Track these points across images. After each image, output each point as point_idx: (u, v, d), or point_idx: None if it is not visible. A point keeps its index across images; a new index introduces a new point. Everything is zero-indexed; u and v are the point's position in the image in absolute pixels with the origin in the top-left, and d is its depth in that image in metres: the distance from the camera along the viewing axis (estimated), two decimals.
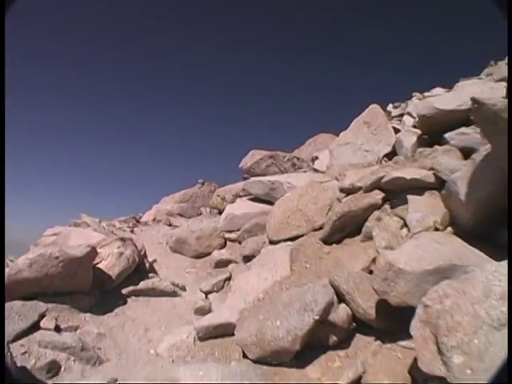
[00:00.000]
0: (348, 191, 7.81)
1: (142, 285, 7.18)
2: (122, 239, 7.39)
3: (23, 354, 4.75)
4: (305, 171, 12.23)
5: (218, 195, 12.11)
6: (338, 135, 16.13)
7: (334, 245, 6.84)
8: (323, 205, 7.77)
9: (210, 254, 9.33)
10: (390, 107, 14.14)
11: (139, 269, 7.69)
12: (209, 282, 7.16)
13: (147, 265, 8.02)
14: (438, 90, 12.59)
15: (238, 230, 9.86)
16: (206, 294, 7.02)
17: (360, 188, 7.54)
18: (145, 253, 8.07)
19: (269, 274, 6.10)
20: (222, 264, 8.71)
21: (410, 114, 11.69)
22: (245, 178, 15.92)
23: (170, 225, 15.61)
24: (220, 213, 12.00)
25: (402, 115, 12.49)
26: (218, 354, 5.36)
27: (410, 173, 6.67)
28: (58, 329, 5.41)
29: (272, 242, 7.63)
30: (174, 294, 7.33)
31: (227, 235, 9.71)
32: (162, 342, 5.67)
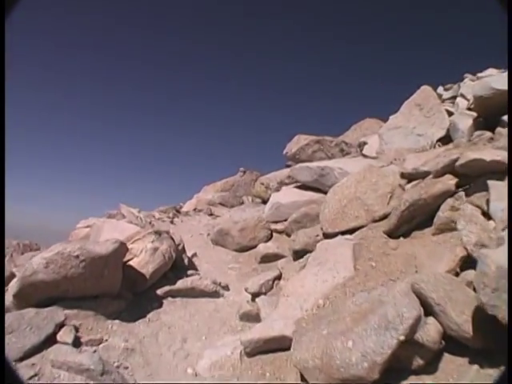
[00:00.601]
0: (410, 177, 6.54)
1: (180, 284, 6.10)
2: (157, 232, 6.32)
3: (32, 377, 3.72)
4: (354, 157, 11.00)
5: (262, 183, 10.95)
6: (384, 120, 14.97)
7: (401, 238, 5.65)
8: (384, 192, 6.51)
9: (254, 247, 8.20)
10: (440, 90, 12.82)
11: (177, 265, 6.62)
12: (255, 282, 5.98)
13: (186, 260, 6.94)
14: (491, 71, 11.24)
15: (284, 221, 8.70)
16: (253, 295, 5.87)
17: (426, 173, 6.31)
18: (183, 247, 6.99)
19: (329, 274, 4.89)
20: (268, 259, 7.56)
21: (463, 96, 10.80)
22: (288, 166, 14.74)
23: (211, 214, 14.65)
24: (264, 202, 10.87)
25: (454, 97, 11.50)
26: (270, 376, 4.21)
27: (489, 154, 5.37)
28: (77, 342, 4.37)
29: (327, 235, 6.41)
30: (215, 295, 6.23)
31: (273, 226, 8.55)
32: (203, 358, 4.51)
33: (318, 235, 6.59)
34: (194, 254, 7.94)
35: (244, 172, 17.56)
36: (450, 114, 10.06)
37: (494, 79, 7.77)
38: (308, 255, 6.11)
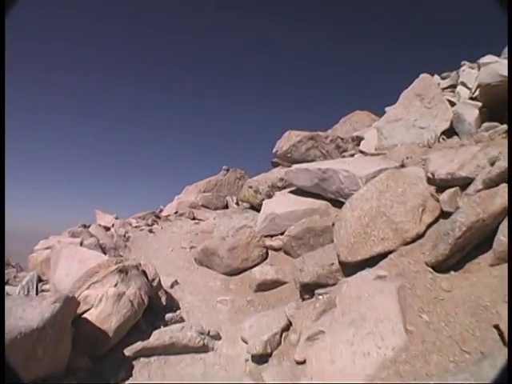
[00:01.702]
0: (444, 184, 4.87)
1: (156, 340, 4.28)
2: (123, 270, 4.48)
3: None
4: (352, 154, 9.33)
5: (250, 186, 9.14)
6: (375, 113, 13.34)
7: (452, 273, 3.99)
8: (414, 205, 4.79)
9: (247, 269, 6.45)
10: (436, 78, 11.24)
11: (152, 307, 4.81)
12: (258, 338, 4.18)
13: (163, 298, 5.10)
14: (490, 58, 9.76)
15: (281, 234, 6.96)
16: (255, 357, 4.10)
17: (465, 179, 4.69)
18: (159, 282, 5.15)
19: (370, 342, 3.14)
20: (266, 286, 5.82)
21: (464, 85, 9.53)
22: (275, 164, 13.11)
23: (193, 218, 12.86)
24: (252, 207, 9.10)
25: (452, 86, 10.19)
26: None
27: None
28: None
29: (346, 265, 4.69)
30: (203, 349, 4.42)
31: (268, 242, 6.77)
32: None
33: (332, 264, 4.83)
34: (175, 282, 6.14)
35: (227, 170, 15.74)
36: (451, 104, 8.77)
37: (501, 66, 6.59)
38: (325, 297, 4.36)
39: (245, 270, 6.44)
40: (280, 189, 8.51)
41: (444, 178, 4.88)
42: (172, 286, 5.98)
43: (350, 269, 4.68)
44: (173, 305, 5.32)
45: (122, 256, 7.30)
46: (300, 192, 7.55)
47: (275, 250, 6.68)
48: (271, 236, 7.02)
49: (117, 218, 12.12)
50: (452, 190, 4.75)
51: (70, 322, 3.64)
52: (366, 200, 4.96)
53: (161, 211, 14.09)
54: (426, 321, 3.41)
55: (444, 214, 4.73)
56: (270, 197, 8.33)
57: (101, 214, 12.85)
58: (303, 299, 5.08)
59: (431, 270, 4.05)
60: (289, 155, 9.55)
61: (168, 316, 4.83)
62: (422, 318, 3.46)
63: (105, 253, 6.94)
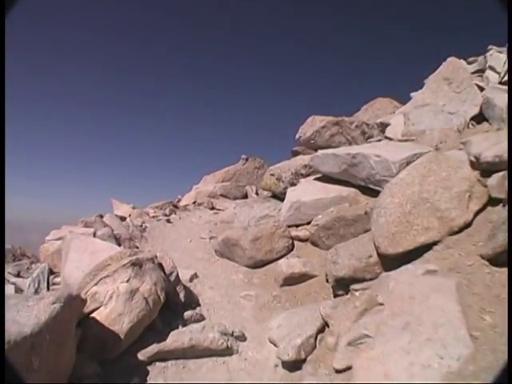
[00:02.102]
0: (491, 168, 4.21)
1: (173, 342, 3.71)
2: (136, 263, 3.91)
3: None
4: (378, 140, 8.65)
5: (272, 174, 8.51)
6: (397, 100, 12.53)
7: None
8: (460, 190, 4.15)
9: (272, 261, 5.85)
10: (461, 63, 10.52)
11: (169, 304, 4.24)
12: (290, 342, 3.57)
13: (182, 294, 4.53)
14: None
15: (307, 224, 6.35)
16: (288, 362, 3.51)
17: None
18: (177, 276, 4.57)
19: (429, 350, 2.51)
20: (294, 280, 5.22)
21: (492, 69, 8.93)
22: (295, 153, 12.47)
23: (212, 208, 12.31)
24: (274, 196, 8.49)
25: (479, 71, 9.54)
26: None
27: None
28: None
29: (386, 257, 4.06)
30: (227, 351, 3.85)
31: (294, 232, 6.15)
32: None
33: (370, 256, 4.20)
34: (194, 276, 5.57)
35: (246, 159, 15.12)
36: (480, 89, 8.28)
37: None
38: (364, 293, 3.74)
39: (269, 262, 5.84)
40: (304, 176, 7.87)
41: (491, 161, 4.20)
42: (191, 280, 5.42)
43: (390, 262, 4.06)
44: (192, 301, 4.74)
45: (137, 247, 6.77)
46: (326, 179, 6.91)
47: (302, 240, 6.06)
48: (297, 226, 6.40)
49: (134, 208, 11.62)
50: (500, 174, 4.10)
51: (75, 324, 3.08)
52: (407, 185, 4.31)
53: (179, 201, 13.57)
54: (491, 324, 2.79)
55: (492, 201, 4.10)
56: (293, 185, 7.69)
57: (117, 204, 12.37)
58: (336, 295, 4.48)
59: (487, 263, 3.42)
60: (312, 141, 8.90)
61: (187, 314, 4.25)
62: (485, 320, 2.83)
63: (119, 244, 6.41)
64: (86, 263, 4.96)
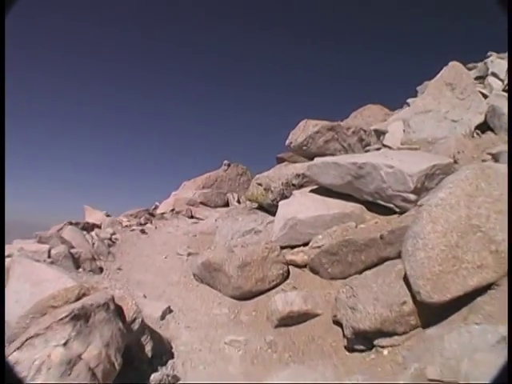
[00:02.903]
0: None
1: None
2: (79, 315, 2.60)
3: None
4: (378, 148, 7.62)
5: (259, 184, 7.29)
6: (388, 107, 11.75)
7: None
8: None
9: (263, 292, 4.63)
10: None
11: (131, 360, 3.01)
12: None
13: (148, 346, 3.24)
14: None
15: (304, 245, 5.16)
16: None
17: None
18: (142, 323, 3.27)
19: None
20: (292, 320, 4.00)
21: (495, 75, 8.49)
22: (280, 161, 11.29)
23: (191, 217, 11.07)
24: (261, 207, 7.27)
25: (480, 78, 9.07)
26: None
27: None
28: None
29: (425, 305, 2.91)
30: None
31: (290, 256, 4.92)
32: None
33: (404, 303, 3.02)
34: (167, 310, 4.29)
35: (228, 165, 13.86)
36: (483, 96, 7.75)
37: None
38: (412, 367, 2.54)
39: (260, 293, 4.60)
40: (297, 187, 6.69)
41: None
42: (163, 317, 4.14)
43: (431, 311, 2.89)
44: (163, 351, 3.46)
45: (101, 269, 5.46)
46: (324, 191, 5.75)
47: (298, 266, 4.86)
48: (291, 247, 5.22)
49: (108, 215, 10.26)
50: None
51: None
52: (451, 208, 3.15)
53: (156, 208, 12.23)
54: None
55: None
56: (285, 197, 6.50)
57: (90, 210, 10.97)
58: (352, 349, 3.28)
59: None
60: (304, 148, 7.70)
61: (155, 378, 2.98)
62: None
63: (78, 266, 5.10)
64: (27, 297, 3.70)
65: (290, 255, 4.92)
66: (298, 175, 6.77)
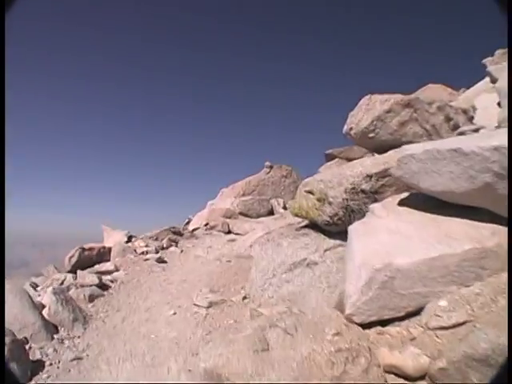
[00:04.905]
0: None
1: None
2: None
3: None
4: (476, 129, 4.63)
5: (309, 191, 4.48)
6: (451, 87, 9.54)
7: None
8: None
9: None
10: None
11: None
12: None
13: None
14: None
15: (402, 319, 2.31)
16: None
17: None
18: None
19: None
20: None
21: None
22: (329, 158, 8.50)
23: (228, 232, 8.39)
24: (314, 225, 4.47)
25: None
26: None
27: None
28: None
29: None
30: None
31: (390, 357, 2.13)
32: None
33: None
34: None
35: (271, 167, 11.07)
36: None
37: None
38: None
39: None
40: (368, 195, 3.84)
41: None
42: None
43: None
44: None
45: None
46: (427, 202, 2.87)
47: (402, 377, 2.02)
48: (382, 324, 2.38)
49: (129, 237, 7.81)
50: None
51: None
52: None
53: (188, 223, 9.66)
54: None
55: None
56: (351, 211, 3.68)
57: (109, 232, 8.55)
58: None
59: None
60: (371, 135, 4.81)
61: None
62: None
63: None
64: None
65: (389, 354, 2.06)
66: (370, 176, 3.91)
